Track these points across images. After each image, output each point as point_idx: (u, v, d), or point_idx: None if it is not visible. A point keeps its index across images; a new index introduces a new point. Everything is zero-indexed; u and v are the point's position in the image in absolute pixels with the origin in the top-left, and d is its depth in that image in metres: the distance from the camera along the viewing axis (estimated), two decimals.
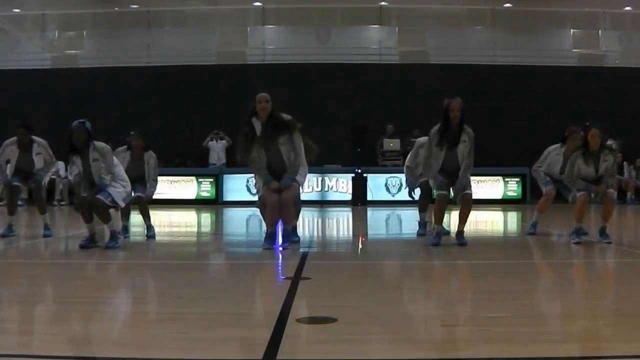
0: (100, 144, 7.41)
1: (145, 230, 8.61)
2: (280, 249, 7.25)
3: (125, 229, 8.51)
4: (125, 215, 8.55)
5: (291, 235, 7.59)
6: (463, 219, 7.61)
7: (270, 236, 7.29)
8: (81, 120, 7.42)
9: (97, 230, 7.48)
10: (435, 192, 7.69)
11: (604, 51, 21.29)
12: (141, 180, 8.54)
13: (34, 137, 8.84)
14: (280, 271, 6.15)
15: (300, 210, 8.21)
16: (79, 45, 21.76)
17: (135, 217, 8.94)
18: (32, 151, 8.79)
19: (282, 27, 22.16)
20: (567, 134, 8.66)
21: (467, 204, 7.58)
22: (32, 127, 8.88)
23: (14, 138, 8.79)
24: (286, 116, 7.32)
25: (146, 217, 8.64)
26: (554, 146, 8.86)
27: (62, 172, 17.69)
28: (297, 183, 7.40)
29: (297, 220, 8.11)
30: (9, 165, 8.84)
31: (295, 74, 19.14)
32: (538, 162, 9.01)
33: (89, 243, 7.26)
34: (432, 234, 8.46)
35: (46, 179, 9.10)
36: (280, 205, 7.24)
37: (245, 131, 7.29)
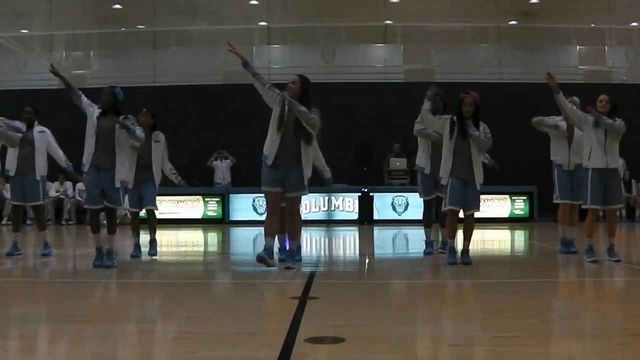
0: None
1: (148, 246, 8.56)
2: (286, 268, 7.07)
3: (137, 247, 8.50)
4: (136, 232, 8.54)
5: (296, 253, 7.42)
6: (468, 236, 7.57)
7: (268, 251, 6.85)
8: (113, 85, 7.55)
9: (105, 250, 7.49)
10: (446, 207, 7.52)
11: (611, 67, 21.28)
12: (147, 170, 8.29)
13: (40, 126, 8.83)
14: (287, 291, 6.13)
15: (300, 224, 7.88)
16: (86, 66, 21.89)
17: (142, 237, 8.92)
18: (34, 128, 8.72)
19: (287, 46, 22.26)
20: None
21: (471, 220, 7.55)
22: (38, 112, 9.03)
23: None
24: (314, 117, 6.85)
25: (152, 231, 8.59)
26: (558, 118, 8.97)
27: (69, 192, 17.76)
28: (303, 193, 7.13)
29: (300, 236, 7.81)
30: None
31: None
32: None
33: (102, 262, 7.29)
34: (439, 252, 8.45)
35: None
36: (286, 215, 7.08)
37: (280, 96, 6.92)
